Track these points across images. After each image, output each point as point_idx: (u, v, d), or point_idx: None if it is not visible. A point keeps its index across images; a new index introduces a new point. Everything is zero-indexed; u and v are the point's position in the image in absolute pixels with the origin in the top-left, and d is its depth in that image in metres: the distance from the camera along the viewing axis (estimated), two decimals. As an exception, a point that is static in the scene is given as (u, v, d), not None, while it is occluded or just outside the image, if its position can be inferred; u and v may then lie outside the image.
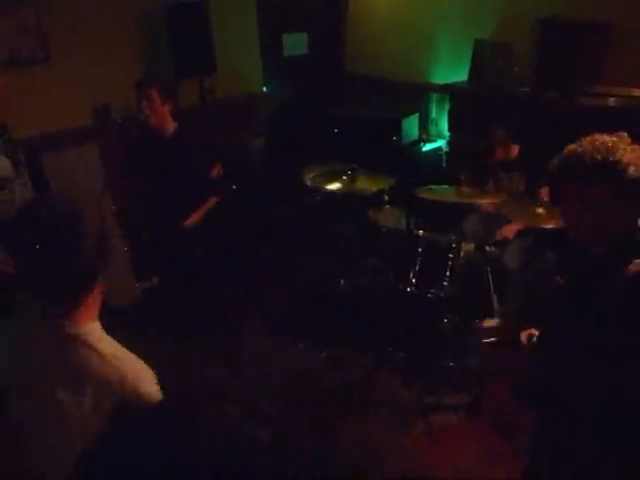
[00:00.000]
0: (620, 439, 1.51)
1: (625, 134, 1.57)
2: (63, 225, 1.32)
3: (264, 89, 5.43)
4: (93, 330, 1.39)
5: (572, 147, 1.60)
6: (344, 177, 3.58)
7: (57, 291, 1.36)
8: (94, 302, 1.43)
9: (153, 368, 1.40)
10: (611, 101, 3.94)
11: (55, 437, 1.36)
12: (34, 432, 1.38)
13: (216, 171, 3.55)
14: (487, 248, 3.40)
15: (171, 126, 3.43)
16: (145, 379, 1.34)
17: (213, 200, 3.52)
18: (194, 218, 3.45)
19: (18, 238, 1.33)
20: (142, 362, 1.40)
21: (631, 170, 1.48)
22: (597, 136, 1.57)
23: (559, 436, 1.64)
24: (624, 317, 1.49)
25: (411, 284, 3.30)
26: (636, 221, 1.57)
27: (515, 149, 3.62)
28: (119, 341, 1.46)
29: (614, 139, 1.54)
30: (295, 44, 5.49)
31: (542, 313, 1.93)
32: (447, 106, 5.05)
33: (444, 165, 5.13)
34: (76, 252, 1.32)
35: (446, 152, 5.16)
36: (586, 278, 1.70)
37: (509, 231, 3.45)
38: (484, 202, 3.26)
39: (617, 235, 1.57)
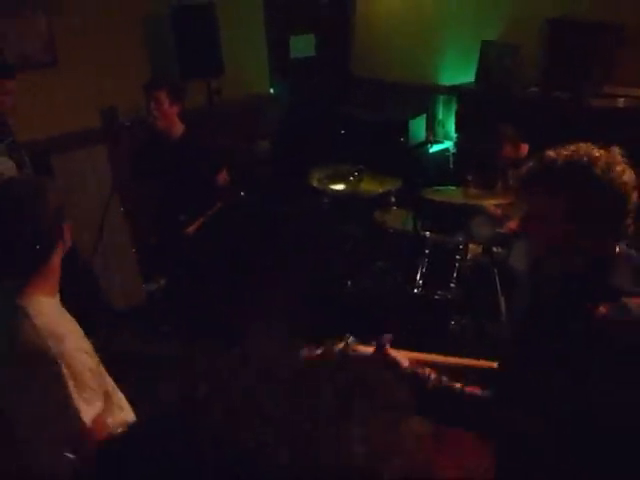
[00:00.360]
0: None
1: (617, 149, 1.40)
2: (22, 200, 1.44)
3: (271, 91, 5.43)
4: (38, 303, 1.45)
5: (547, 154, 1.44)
6: (351, 178, 3.58)
7: (10, 262, 1.47)
8: (47, 278, 1.50)
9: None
10: (620, 102, 3.92)
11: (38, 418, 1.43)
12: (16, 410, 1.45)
13: (223, 177, 3.53)
14: (494, 249, 3.39)
15: (179, 128, 3.41)
16: (70, 364, 1.38)
17: (217, 206, 3.50)
18: (196, 225, 3.43)
19: None
20: (82, 346, 1.45)
21: (597, 171, 1.33)
22: (581, 145, 1.42)
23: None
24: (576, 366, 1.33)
25: (418, 286, 3.29)
26: (607, 241, 1.40)
27: (525, 148, 3.60)
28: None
29: (600, 152, 1.38)
30: (302, 46, 5.50)
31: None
32: (454, 107, 5.03)
33: (451, 167, 5.11)
34: (31, 226, 1.43)
35: (453, 153, 5.15)
36: (542, 305, 1.54)
37: (513, 225, 3.44)
38: (492, 203, 3.24)
39: (581, 254, 1.40)
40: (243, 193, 3.57)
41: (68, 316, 1.50)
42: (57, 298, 1.52)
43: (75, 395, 1.35)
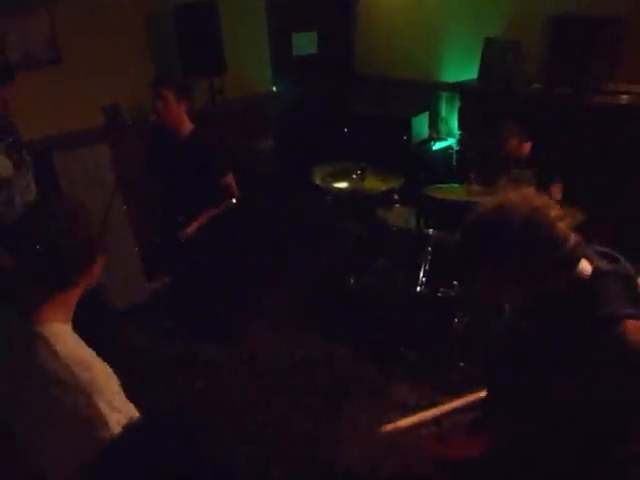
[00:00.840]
0: None
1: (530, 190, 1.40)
2: (53, 221, 1.38)
3: (273, 89, 5.43)
4: (57, 330, 1.40)
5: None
6: (354, 176, 3.58)
7: (32, 280, 1.40)
8: (65, 304, 1.45)
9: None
10: (623, 99, 3.90)
11: (46, 435, 1.39)
12: (25, 432, 1.42)
13: (228, 180, 3.48)
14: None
15: (187, 126, 3.39)
16: (101, 390, 1.34)
17: (212, 212, 3.46)
18: (191, 229, 3.40)
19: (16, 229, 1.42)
20: (106, 371, 1.40)
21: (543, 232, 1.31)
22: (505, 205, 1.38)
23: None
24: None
25: (421, 283, 3.29)
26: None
27: (527, 146, 3.59)
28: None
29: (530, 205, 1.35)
30: (304, 43, 5.49)
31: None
32: (457, 104, 5.02)
33: (454, 164, 5.10)
34: (59, 246, 1.37)
35: (456, 151, 5.14)
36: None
37: None
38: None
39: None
40: (235, 200, 3.52)
41: (82, 342, 1.46)
42: (70, 324, 1.47)
43: (109, 419, 1.30)
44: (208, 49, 4.34)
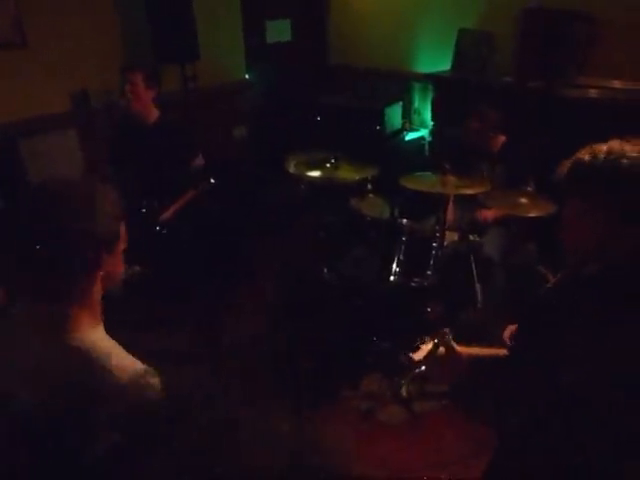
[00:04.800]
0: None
1: None
2: (78, 200, 1.19)
3: (246, 76, 5.37)
4: (92, 337, 1.19)
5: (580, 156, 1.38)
6: (327, 165, 3.56)
7: (58, 273, 1.16)
8: (96, 297, 1.24)
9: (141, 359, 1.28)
10: (593, 93, 3.97)
11: None
12: None
13: (199, 161, 3.52)
14: (470, 237, 3.41)
15: (154, 113, 3.41)
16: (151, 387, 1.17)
17: (191, 193, 3.50)
18: (169, 213, 3.41)
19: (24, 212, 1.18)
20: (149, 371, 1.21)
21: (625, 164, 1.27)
22: (612, 144, 1.35)
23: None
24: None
25: (395, 273, 3.30)
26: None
27: (502, 139, 3.62)
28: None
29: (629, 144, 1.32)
30: (278, 31, 5.44)
31: (522, 312, 1.78)
32: (430, 95, 5.04)
33: (427, 154, 5.13)
34: (86, 228, 1.16)
35: (429, 141, 5.16)
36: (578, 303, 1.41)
37: (488, 215, 3.46)
38: (468, 192, 3.25)
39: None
40: (213, 180, 3.54)
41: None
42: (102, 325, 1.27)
43: None
44: (181, 35, 4.25)
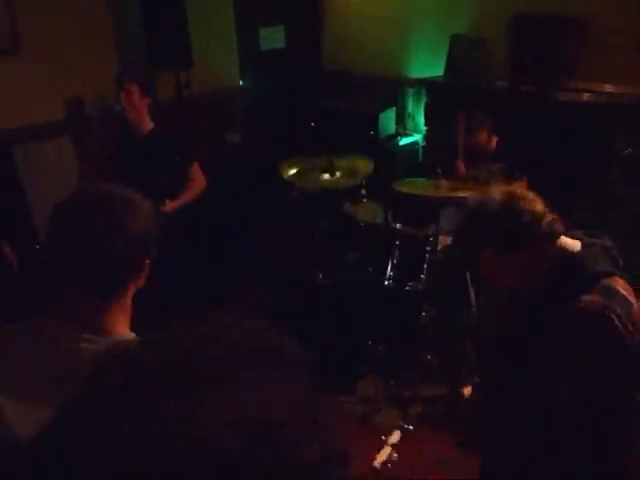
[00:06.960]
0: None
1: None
2: (137, 205, 1.26)
3: (240, 83, 5.38)
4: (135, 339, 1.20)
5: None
6: (321, 171, 3.57)
7: (112, 272, 1.18)
8: (127, 306, 1.26)
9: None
10: (584, 96, 3.99)
11: None
12: None
13: (196, 170, 3.46)
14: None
15: (148, 123, 3.36)
16: None
17: (190, 194, 3.44)
18: (173, 204, 3.32)
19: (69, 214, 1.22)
20: None
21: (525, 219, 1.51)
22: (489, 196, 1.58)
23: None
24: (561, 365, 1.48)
25: (389, 278, 3.31)
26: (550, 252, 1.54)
27: (495, 141, 3.64)
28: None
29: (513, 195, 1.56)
30: (272, 38, 5.46)
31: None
32: (424, 100, 5.07)
33: (420, 159, 5.15)
34: (124, 237, 1.19)
35: (422, 146, 5.18)
36: (521, 323, 1.69)
37: None
38: (462, 196, 3.27)
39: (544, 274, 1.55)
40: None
41: None
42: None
43: None
44: (174, 42, 4.26)
